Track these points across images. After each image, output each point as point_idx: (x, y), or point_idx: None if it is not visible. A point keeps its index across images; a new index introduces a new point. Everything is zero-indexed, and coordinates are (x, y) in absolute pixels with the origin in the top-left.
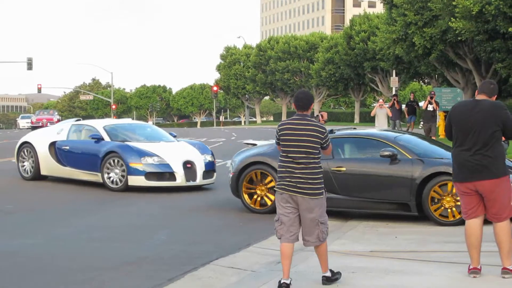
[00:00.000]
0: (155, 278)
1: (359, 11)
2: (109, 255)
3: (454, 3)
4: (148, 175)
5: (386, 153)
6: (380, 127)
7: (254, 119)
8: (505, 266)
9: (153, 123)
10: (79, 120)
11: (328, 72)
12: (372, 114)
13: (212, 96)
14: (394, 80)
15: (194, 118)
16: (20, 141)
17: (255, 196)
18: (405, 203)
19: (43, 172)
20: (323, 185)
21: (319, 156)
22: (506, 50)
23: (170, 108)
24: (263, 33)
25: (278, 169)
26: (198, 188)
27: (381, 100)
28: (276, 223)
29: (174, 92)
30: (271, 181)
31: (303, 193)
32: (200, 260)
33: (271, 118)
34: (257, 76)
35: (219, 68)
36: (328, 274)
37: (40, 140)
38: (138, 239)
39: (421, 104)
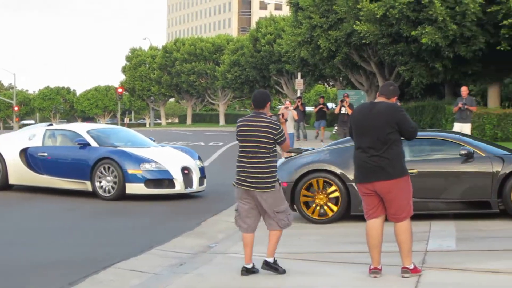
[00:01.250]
0: (56, 282)
1: (265, 13)
2: (9, 260)
3: (359, 6)
4: (147, 183)
5: (464, 151)
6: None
7: (159, 121)
8: (405, 265)
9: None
10: (51, 124)
11: (233, 74)
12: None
13: (116, 98)
14: (299, 83)
15: (99, 120)
16: None
17: (313, 206)
18: (486, 201)
19: (12, 181)
20: (275, 179)
21: (273, 151)
22: (409, 53)
23: (74, 110)
24: (170, 34)
25: (236, 164)
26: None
27: (287, 102)
28: (235, 213)
29: (78, 93)
30: (335, 190)
31: (254, 187)
32: (102, 263)
33: (176, 120)
34: (162, 78)
35: (124, 69)
36: (271, 260)
37: (8, 146)
38: (41, 243)
39: (330, 106)
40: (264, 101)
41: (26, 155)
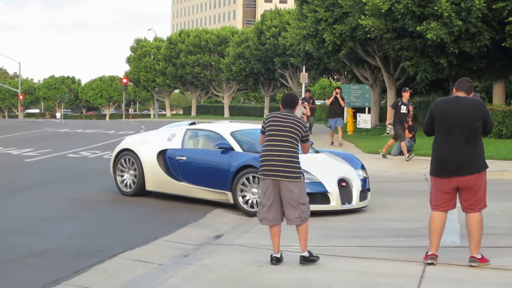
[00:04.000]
0: (60, 271)
1: (270, 6)
2: (11, 248)
3: (364, 0)
4: None
5: None
6: None
7: (163, 112)
8: (473, 255)
9: (61, 115)
10: (194, 123)
11: (238, 66)
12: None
13: (121, 88)
14: (303, 76)
15: (103, 110)
16: (118, 148)
17: None
18: None
19: (149, 187)
20: (301, 170)
21: (298, 146)
22: (414, 49)
23: (78, 100)
24: (174, 26)
25: (260, 156)
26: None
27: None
28: (259, 206)
29: (83, 83)
30: None
31: (283, 176)
32: (107, 253)
33: (181, 112)
34: (167, 69)
35: (129, 60)
36: (306, 254)
37: (146, 147)
38: (43, 231)
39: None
40: (295, 103)
41: (164, 158)
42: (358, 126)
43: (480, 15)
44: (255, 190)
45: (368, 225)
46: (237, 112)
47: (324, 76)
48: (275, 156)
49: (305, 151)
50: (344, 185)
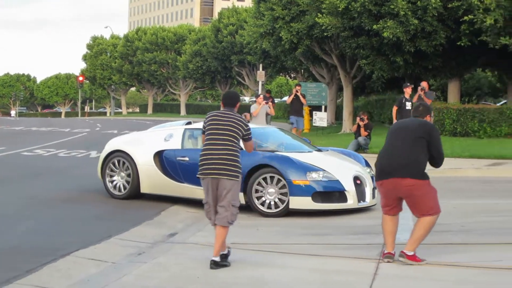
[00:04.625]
0: (13, 270)
1: (227, 4)
2: None
3: None
4: (315, 196)
5: None
6: (259, 125)
7: (120, 110)
8: (404, 250)
9: (16, 113)
10: (190, 123)
11: (195, 64)
12: (255, 114)
13: (77, 86)
14: (260, 74)
15: (59, 108)
16: (106, 150)
17: None
18: None
19: (145, 189)
20: (240, 171)
21: (239, 146)
22: (370, 47)
23: (34, 98)
24: (131, 23)
25: (200, 156)
26: (58, 175)
27: (261, 96)
28: (205, 206)
29: (38, 81)
30: None
31: (222, 174)
32: (61, 251)
33: (137, 110)
34: (123, 66)
35: (85, 58)
36: (217, 259)
37: (140, 148)
38: None
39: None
40: (236, 101)
41: (161, 159)
42: (314, 124)
43: (436, 14)
44: (272, 190)
45: (327, 222)
46: (194, 110)
47: (281, 74)
48: (215, 155)
49: (248, 150)
50: (358, 183)
